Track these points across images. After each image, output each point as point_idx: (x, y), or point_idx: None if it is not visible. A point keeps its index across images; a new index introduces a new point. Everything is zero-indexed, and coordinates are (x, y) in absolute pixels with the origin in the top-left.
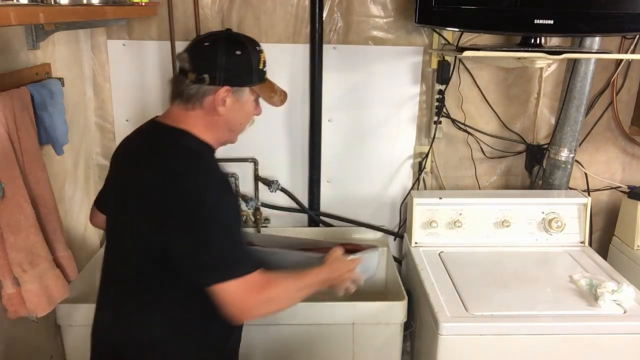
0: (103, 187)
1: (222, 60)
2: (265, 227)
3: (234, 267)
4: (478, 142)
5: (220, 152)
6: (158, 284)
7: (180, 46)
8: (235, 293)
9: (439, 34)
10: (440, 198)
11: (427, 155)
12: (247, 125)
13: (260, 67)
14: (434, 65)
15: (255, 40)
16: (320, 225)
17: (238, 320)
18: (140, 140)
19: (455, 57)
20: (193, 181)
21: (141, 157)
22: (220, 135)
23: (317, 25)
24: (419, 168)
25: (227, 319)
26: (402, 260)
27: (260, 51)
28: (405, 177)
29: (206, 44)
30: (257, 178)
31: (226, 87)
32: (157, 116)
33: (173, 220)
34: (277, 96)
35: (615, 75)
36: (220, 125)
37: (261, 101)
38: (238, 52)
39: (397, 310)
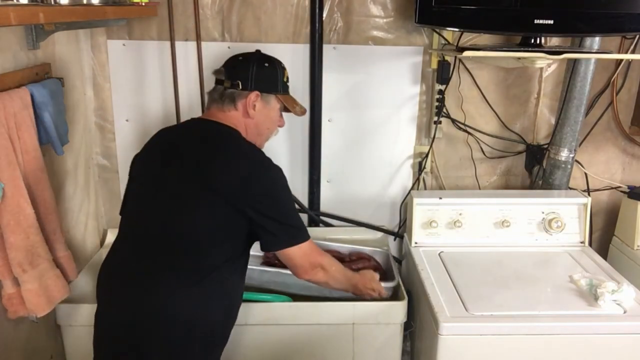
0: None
1: (253, 71)
2: None
3: (304, 232)
4: (478, 142)
5: None
6: (211, 262)
7: (180, 46)
8: (305, 254)
9: (439, 34)
10: (440, 198)
11: (427, 155)
12: (273, 133)
13: (285, 81)
14: (434, 65)
15: (280, 61)
16: (320, 225)
17: (303, 277)
18: (187, 130)
19: (455, 57)
20: (273, 168)
21: (205, 140)
22: (251, 138)
23: (317, 25)
24: (419, 168)
25: (241, 293)
26: (402, 260)
27: (284, 68)
28: (405, 177)
29: (240, 58)
30: None
31: (256, 92)
32: (198, 117)
33: (257, 200)
34: (299, 108)
35: (615, 75)
36: (251, 128)
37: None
38: (267, 65)
39: (397, 310)
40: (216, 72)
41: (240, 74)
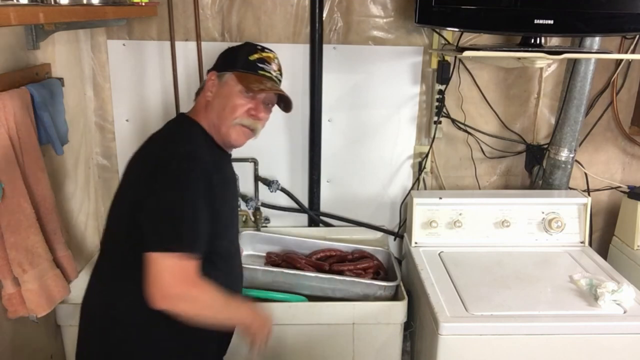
0: None
1: (222, 54)
2: (265, 227)
3: (176, 240)
4: (478, 142)
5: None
6: (133, 256)
7: (180, 46)
8: (165, 269)
9: (439, 34)
10: (440, 198)
11: (427, 155)
12: (239, 119)
13: (251, 59)
14: (434, 65)
15: (266, 47)
16: (320, 225)
17: (153, 302)
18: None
19: (455, 57)
20: (171, 151)
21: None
22: (214, 123)
23: (317, 25)
24: (419, 168)
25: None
26: (402, 260)
27: (259, 49)
28: (405, 177)
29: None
30: (257, 178)
31: (213, 71)
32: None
33: (143, 185)
34: (261, 85)
35: (615, 75)
36: (212, 114)
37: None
38: (234, 47)
39: (397, 310)
40: None
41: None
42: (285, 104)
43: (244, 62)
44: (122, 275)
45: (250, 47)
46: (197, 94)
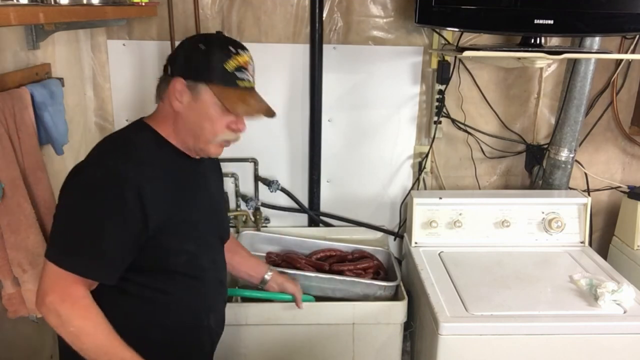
0: None
1: (183, 52)
2: (265, 227)
3: (68, 254)
4: (478, 142)
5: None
6: None
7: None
8: (48, 277)
9: (439, 34)
10: (440, 198)
11: (427, 155)
12: (221, 137)
13: (228, 69)
14: (434, 65)
15: (238, 45)
16: (320, 225)
17: (37, 307)
18: None
19: (455, 57)
20: (91, 161)
21: None
22: (184, 138)
23: (317, 25)
24: (419, 168)
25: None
26: (402, 260)
27: (236, 54)
28: (405, 177)
29: (185, 39)
30: (257, 178)
31: (179, 79)
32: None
33: (64, 184)
34: (246, 107)
35: (615, 75)
36: (180, 126)
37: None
38: (202, 46)
39: (397, 310)
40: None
41: (172, 55)
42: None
43: (221, 74)
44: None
45: (223, 52)
46: (158, 96)
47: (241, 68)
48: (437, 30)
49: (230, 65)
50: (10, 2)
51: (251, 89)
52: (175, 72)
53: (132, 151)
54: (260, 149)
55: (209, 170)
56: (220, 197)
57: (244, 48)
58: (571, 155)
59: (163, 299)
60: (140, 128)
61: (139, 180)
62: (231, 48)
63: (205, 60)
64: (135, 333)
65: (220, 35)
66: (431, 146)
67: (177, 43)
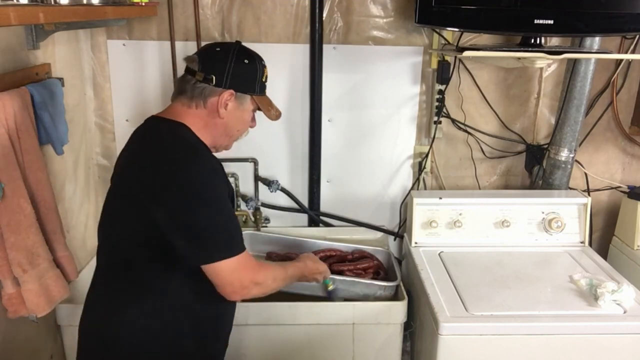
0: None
1: (230, 66)
2: (265, 227)
3: (232, 246)
4: (478, 142)
5: (220, 152)
6: (147, 275)
7: (180, 46)
8: (233, 271)
9: (439, 34)
10: (440, 198)
11: (427, 155)
12: (243, 135)
13: (263, 80)
14: (434, 65)
15: (261, 57)
16: (320, 225)
17: (232, 298)
18: (136, 136)
19: (455, 57)
20: (186, 166)
21: (137, 145)
22: (217, 139)
23: (317, 25)
24: (419, 168)
25: (216, 307)
26: (402, 260)
27: (264, 66)
28: (405, 177)
29: (217, 49)
30: (257, 178)
31: (231, 91)
32: (154, 115)
33: (167, 203)
34: (274, 111)
35: (615, 75)
36: (219, 128)
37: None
38: (246, 61)
39: (397, 310)
40: (188, 60)
41: (216, 67)
42: None
43: (260, 86)
44: (124, 294)
45: (260, 66)
46: (182, 94)
47: (267, 77)
48: (437, 30)
49: (264, 77)
50: (10, 2)
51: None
52: (227, 85)
53: (204, 150)
54: (260, 149)
55: None
56: None
57: (263, 59)
58: (571, 155)
59: (179, 295)
60: (186, 131)
61: (220, 169)
62: (263, 62)
63: (253, 75)
64: (147, 330)
65: (241, 45)
66: (431, 146)
67: (177, 43)
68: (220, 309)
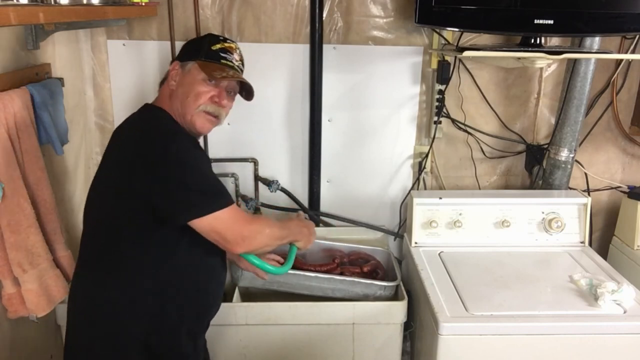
0: None
1: (185, 46)
2: None
3: (221, 197)
4: (478, 142)
5: (220, 152)
6: (128, 253)
7: (180, 46)
8: (228, 219)
9: (439, 34)
10: (440, 198)
11: (427, 155)
12: (201, 106)
13: (214, 49)
14: (434, 65)
15: (228, 38)
16: (320, 225)
17: (236, 251)
18: (127, 119)
19: (455, 57)
20: (166, 140)
21: (121, 126)
22: (181, 109)
23: (317, 25)
24: (419, 168)
25: (197, 282)
26: (402, 260)
27: (224, 40)
28: (405, 177)
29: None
30: (257, 178)
31: (176, 62)
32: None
33: (148, 171)
34: (223, 73)
35: (615, 75)
36: (177, 98)
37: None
38: (196, 38)
39: (397, 310)
40: None
41: (180, 52)
42: (247, 92)
43: (206, 52)
44: (107, 268)
45: (212, 38)
46: (161, 84)
47: (225, 50)
48: (437, 30)
49: (216, 46)
50: (10, 2)
51: (232, 67)
52: (174, 59)
53: (180, 130)
54: (260, 149)
55: None
56: None
57: (233, 41)
58: (571, 155)
59: (158, 271)
60: (158, 110)
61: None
62: (220, 37)
63: (197, 44)
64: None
65: (210, 33)
66: (431, 146)
67: (177, 43)
68: (201, 284)
